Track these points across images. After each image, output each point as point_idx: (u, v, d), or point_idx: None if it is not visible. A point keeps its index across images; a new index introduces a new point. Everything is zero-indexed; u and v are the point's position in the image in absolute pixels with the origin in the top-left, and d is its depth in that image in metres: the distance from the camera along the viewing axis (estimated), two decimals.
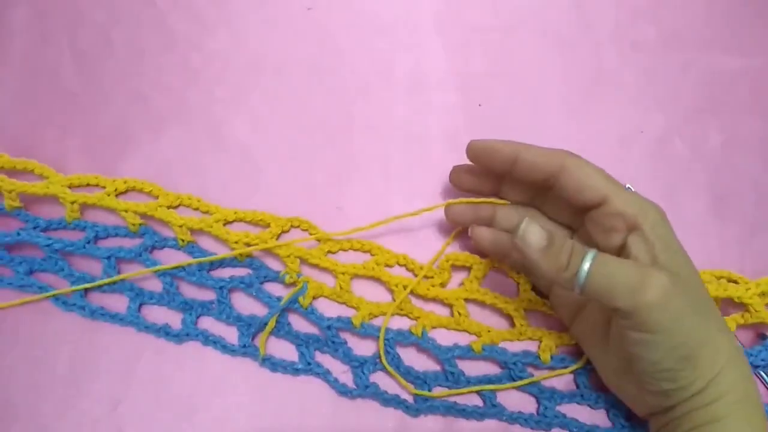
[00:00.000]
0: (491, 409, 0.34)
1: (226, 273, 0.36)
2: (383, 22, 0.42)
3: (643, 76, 0.41)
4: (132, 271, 0.36)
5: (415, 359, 0.35)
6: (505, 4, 0.43)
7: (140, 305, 0.36)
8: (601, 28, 0.42)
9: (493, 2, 0.43)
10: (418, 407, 0.34)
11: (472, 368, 0.35)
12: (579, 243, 0.29)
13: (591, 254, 0.28)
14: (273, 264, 0.37)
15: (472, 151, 0.34)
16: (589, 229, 0.32)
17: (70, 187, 0.37)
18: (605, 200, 0.30)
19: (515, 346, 0.35)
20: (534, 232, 0.29)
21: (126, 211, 0.36)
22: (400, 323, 0.36)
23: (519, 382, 0.34)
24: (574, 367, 0.34)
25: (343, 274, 0.36)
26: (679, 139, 0.40)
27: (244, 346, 0.35)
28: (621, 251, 0.30)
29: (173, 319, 0.36)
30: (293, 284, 0.36)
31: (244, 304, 0.36)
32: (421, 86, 0.41)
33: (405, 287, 0.35)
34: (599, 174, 0.31)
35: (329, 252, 0.37)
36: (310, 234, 0.37)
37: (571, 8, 0.43)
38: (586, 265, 0.27)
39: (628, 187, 0.38)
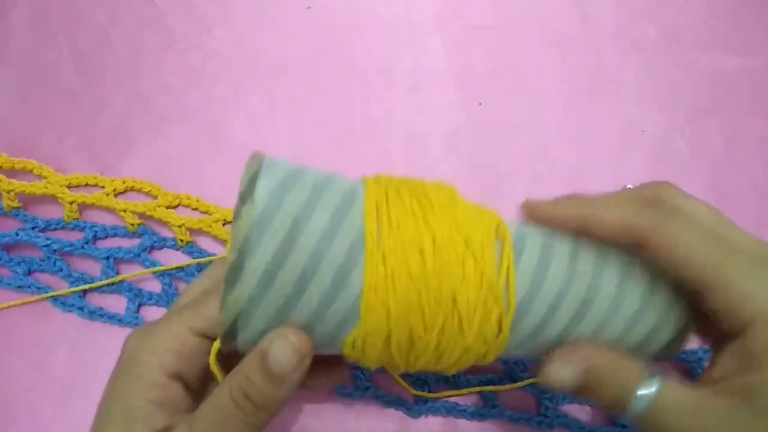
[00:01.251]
0: (492, 410, 0.34)
1: None
2: (383, 21, 0.42)
3: (644, 75, 0.41)
4: (131, 272, 0.36)
5: None
6: (506, 2, 0.43)
7: (139, 306, 0.36)
8: (602, 28, 0.42)
9: (494, 1, 0.43)
10: (419, 408, 0.34)
11: (472, 368, 0.35)
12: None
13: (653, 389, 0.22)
14: None
15: (529, 216, 0.26)
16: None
17: (68, 187, 0.37)
18: (707, 288, 0.22)
19: None
20: (564, 372, 0.23)
21: (125, 211, 0.36)
22: None
23: (520, 383, 0.34)
24: None
25: None
26: (681, 139, 0.40)
27: None
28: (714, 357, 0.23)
29: None
30: None
31: None
32: (421, 85, 0.40)
33: None
34: (702, 247, 0.22)
35: None
36: None
37: (571, 7, 0.42)
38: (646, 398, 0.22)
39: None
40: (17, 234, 0.36)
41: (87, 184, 0.37)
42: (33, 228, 0.36)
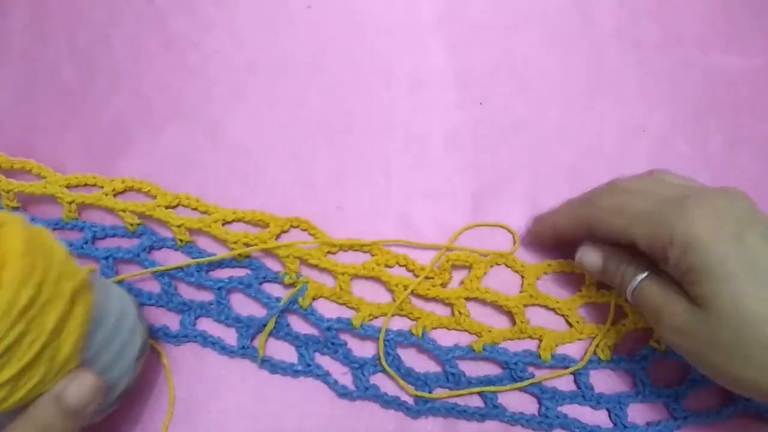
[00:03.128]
0: (492, 410, 0.34)
1: (225, 273, 0.36)
2: (383, 20, 0.42)
3: (645, 75, 0.41)
4: (130, 272, 0.36)
5: (415, 360, 0.35)
6: (506, 2, 0.43)
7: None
8: (603, 27, 0.42)
9: (494, 0, 0.43)
10: (419, 409, 0.34)
11: (472, 369, 0.35)
12: (633, 263, 0.32)
13: (638, 278, 0.31)
14: (272, 264, 0.36)
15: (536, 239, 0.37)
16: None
17: (67, 187, 0.37)
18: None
19: (516, 346, 0.35)
20: (589, 257, 0.33)
21: (124, 211, 0.36)
22: (401, 324, 0.35)
23: (520, 383, 0.34)
24: (575, 367, 0.34)
25: (342, 274, 0.36)
26: (681, 139, 0.40)
27: (243, 347, 0.35)
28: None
29: (172, 320, 0.35)
30: (293, 285, 0.36)
31: (243, 305, 0.36)
32: (421, 85, 0.40)
33: (405, 287, 0.35)
34: (624, 215, 0.31)
35: (329, 252, 0.36)
36: (310, 234, 0.37)
37: (572, 7, 0.42)
38: (634, 284, 0.31)
39: None
40: None
41: (86, 184, 0.37)
42: None
